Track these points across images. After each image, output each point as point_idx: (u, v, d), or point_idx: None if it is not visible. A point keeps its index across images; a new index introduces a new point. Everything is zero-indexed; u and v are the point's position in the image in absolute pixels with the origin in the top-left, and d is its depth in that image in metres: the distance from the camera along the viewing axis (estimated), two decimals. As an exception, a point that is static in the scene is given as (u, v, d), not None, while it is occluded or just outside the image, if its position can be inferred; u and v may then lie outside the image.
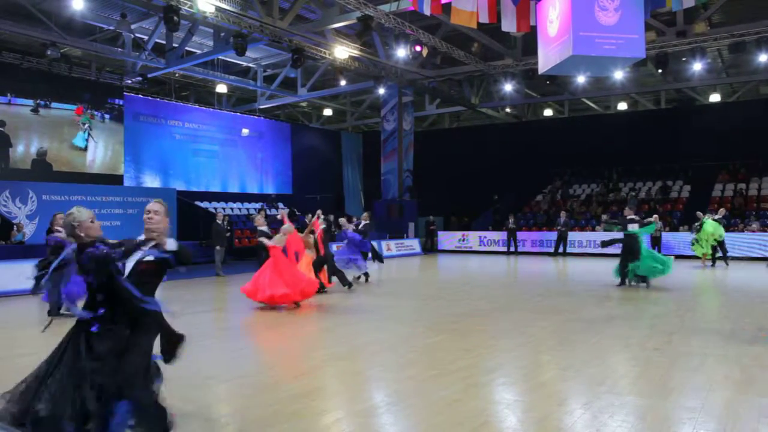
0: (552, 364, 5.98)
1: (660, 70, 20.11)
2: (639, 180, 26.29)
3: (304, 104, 30.95)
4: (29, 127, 19.59)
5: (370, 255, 14.03)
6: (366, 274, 13.83)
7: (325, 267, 12.17)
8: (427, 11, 14.86)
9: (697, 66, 19.45)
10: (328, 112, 31.63)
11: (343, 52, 19.94)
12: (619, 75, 22.20)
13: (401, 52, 18.99)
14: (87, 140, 21.10)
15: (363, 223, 14.60)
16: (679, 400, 4.79)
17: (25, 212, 17.43)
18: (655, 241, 20.03)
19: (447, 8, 14.74)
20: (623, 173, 26.96)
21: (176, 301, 11.01)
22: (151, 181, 23.49)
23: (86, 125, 21.12)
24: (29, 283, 11.92)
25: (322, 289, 11.59)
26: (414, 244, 24.09)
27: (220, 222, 16.12)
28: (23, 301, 11.29)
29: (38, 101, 19.77)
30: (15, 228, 15.49)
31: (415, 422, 4.33)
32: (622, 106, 28.51)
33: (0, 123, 18.79)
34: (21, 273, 12.06)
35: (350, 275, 13.00)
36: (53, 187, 18.30)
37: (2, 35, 18.74)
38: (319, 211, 12.30)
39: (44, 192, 17.87)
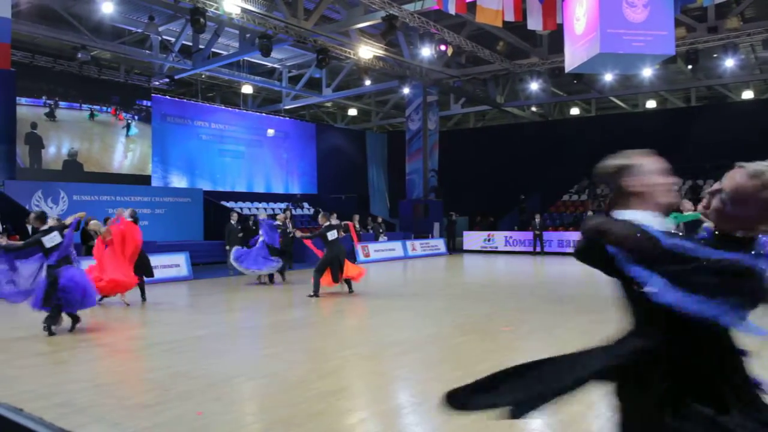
0: None
1: (690, 67, 19.69)
2: (668, 179, 25.72)
3: (328, 104, 31.00)
4: (60, 129, 19.99)
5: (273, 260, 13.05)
6: (270, 276, 13.37)
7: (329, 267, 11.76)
8: (452, 10, 14.79)
9: (729, 62, 18.96)
10: (352, 112, 31.65)
11: (367, 51, 19.92)
12: (647, 72, 21.75)
13: (426, 52, 18.89)
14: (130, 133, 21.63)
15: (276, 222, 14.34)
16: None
17: (57, 212, 17.76)
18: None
19: (472, 7, 14.66)
20: (652, 172, 26.42)
21: (197, 300, 11.11)
22: (178, 182, 23.78)
23: (132, 119, 21.67)
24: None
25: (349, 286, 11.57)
26: (439, 244, 23.98)
27: (233, 222, 16.28)
28: None
29: (82, 105, 20.26)
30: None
31: (441, 423, 4.28)
32: (651, 104, 28.00)
33: (32, 125, 19.21)
34: None
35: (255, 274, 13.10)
36: (84, 188, 18.65)
37: (35, 39, 19.15)
38: (323, 214, 12.17)
39: (75, 192, 18.22)
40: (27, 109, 19.13)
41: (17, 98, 18.81)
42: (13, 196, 16.62)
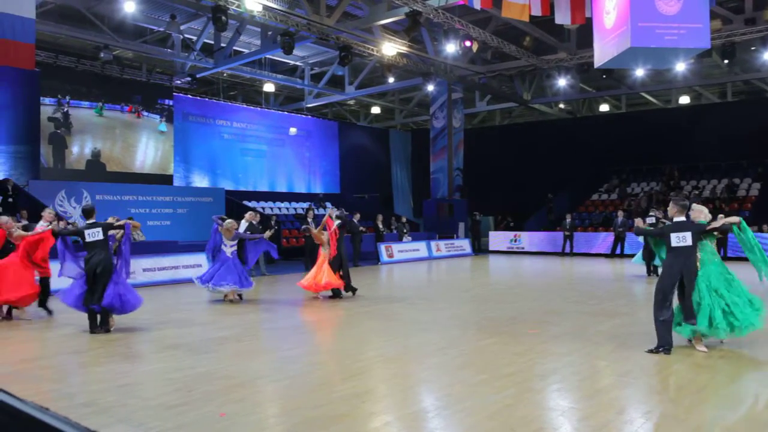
0: (609, 370, 5.73)
1: (726, 61, 18.99)
2: (703, 178, 24.96)
3: (351, 102, 30.78)
4: (84, 129, 20.02)
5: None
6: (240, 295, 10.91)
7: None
8: (477, 5, 14.42)
9: (768, 55, 18.25)
10: (376, 110, 31.33)
11: (391, 48, 19.61)
12: (681, 67, 21.10)
13: (450, 48, 18.62)
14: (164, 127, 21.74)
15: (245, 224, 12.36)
16: (751, 412, 4.38)
17: (80, 212, 17.78)
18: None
19: (497, 1, 14.27)
20: (685, 171, 25.67)
21: (218, 301, 10.90)
22: (200, 181, 23.72)
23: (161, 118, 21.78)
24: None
25: (348, 291, 11.17)
26: (464, 244, 23.54)
27: (255, 223, 15.98)
28: None
29: (101, 104, 20.27)
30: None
31: (466, 427, 4.20)
32: (684, 99, 27.17)
33: (56, 125, 19.24)
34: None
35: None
36: (106, 187, 18.65)
37: (59, 39, 19.21)
38: (331, 209, 11.80)
39: (98, 192, 18.21)
40: (50, 109, 19.17)
41: (41, 98, 18.86)
42: (37, 195, 16.63)
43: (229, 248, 10.66)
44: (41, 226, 9.01)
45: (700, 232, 6.36)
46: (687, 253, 6.22)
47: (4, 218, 9.05)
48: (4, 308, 8.88)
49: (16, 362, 6.20)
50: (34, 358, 6.35)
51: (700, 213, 6.52)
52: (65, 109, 19.62)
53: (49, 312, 8.99)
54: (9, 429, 1.10)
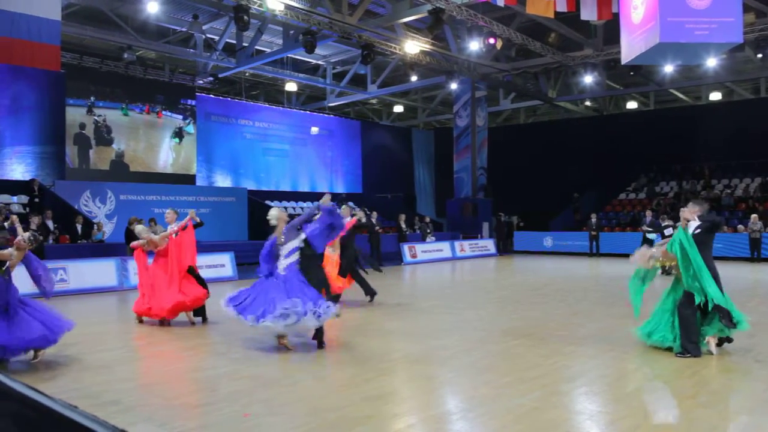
0: (638, 374, 5.65)
1: (760, 56, 18.43)
2: (735, 176, 24.27)
3: (374, 101, 30.62)
4: (108, 129, 20.16)
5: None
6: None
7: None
8: (501, 2, 14.16)
9: (805, 49, 17.62)
10: (398, 108, 31.10)
11: (413, 46, 19.41)
12: (712, 62, 20.51)
13: (474, 45, 18.38)
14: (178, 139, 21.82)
15: None
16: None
17: (105, 212, 17.92)
18: (754, 244, 18.35)
19: (522, -3, 14.03)
20: (717, 169, 24.99)
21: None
22: (222, 181, 23.76)
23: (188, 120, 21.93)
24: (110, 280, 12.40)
25: (367, 295, 10.18)
26: (489, 244, 23.22)
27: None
28: (105, 297, 11.79)
29: (125, 104, 20.40)
30: (95, 227, 15.89)
31: (491, 431, 4.16)
32: (716, 96, 26.46)
33: (80, 125, 19.41)
34: (101, 270, 12.59)
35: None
36: (130, 187, 18.78)
37: (84, 41, 19.37)
38: (348, 205, 10.67)
39: (122, 192, 18.35)
40: (75, 110, 19.32)
41: (66, 99, 19.03)
42: (62, 196, 16.78)
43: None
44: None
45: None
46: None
47: (140, 227, 8.57)
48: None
49: (41, 361, 6.13)
50: (56, 357, 6.32)
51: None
52: (102, 117, 19.79)
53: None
54: (39, 426, 1.14)
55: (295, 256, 6.52)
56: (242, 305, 6.37)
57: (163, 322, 8.15)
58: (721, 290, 5.95)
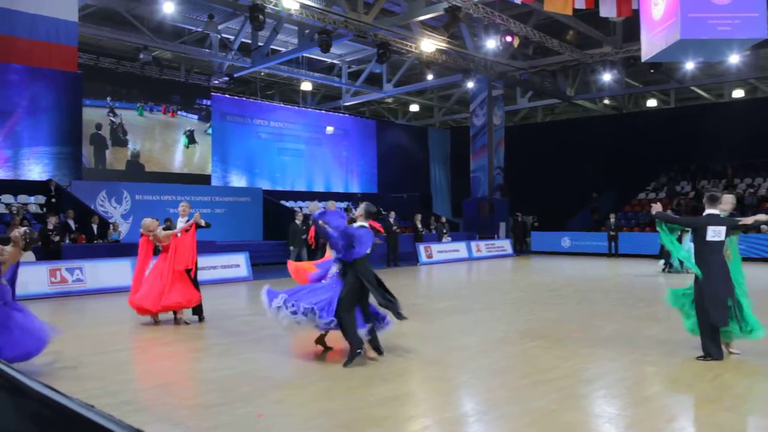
0: (659, 377, 5.53)
1: (785, 52, 18.00)
2: (758, 175, 23.77)
3: (389, 100, 30.48)
4: (124, 129, 20.24)
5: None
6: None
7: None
8: (518, -1, 13.99)
9: (833, 45, 17.16)
10: (414, 107, 30.94)
11: (429, 45, 19.23)
12: (734, 59, 20.09)
13: (491, 44, 18.18)
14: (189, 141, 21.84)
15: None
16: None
17: (120, 212, 17.99)
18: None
19: (540, -7, 13.81)
20: (739, 168, 24.49)
21: (257, 301, 10.74)
22: (238, 181, 23.77)
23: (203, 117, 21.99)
24: (126, 280, 12.36)
25: None
26: (505, 245, 22.97)
27: (298, 222, 15.80)
28: (121, 297, 11.64)
29: (141, 104, 20.47)
30: (111, 227, 15.93)
31: None
32: (738, 93, 25.99)
33: (97, 126, 19.49)
34: (117, 270, 12.57)
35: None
36: (146, 188, 18.83)
37: (100, 41, 19.46)
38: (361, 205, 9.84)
39: (137, 192, 18.41)
40: (91, 111, 19.41)
41: (83, 100, 19.12)
42: (79, 196, 16.86)
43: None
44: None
45: (733, 227, 5.96)
46: (720, 249, 5.85)
47: (148, 220, 8.49)
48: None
49: (59, 360, 6.17)
50: (73, 356, 6.36)
51: (727, 204, 6.10)
52: (118, 118, 19.87)
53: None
54: (57, 425, 1.16)
55: (337, 266, 6.34)
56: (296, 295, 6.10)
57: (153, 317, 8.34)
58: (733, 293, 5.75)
